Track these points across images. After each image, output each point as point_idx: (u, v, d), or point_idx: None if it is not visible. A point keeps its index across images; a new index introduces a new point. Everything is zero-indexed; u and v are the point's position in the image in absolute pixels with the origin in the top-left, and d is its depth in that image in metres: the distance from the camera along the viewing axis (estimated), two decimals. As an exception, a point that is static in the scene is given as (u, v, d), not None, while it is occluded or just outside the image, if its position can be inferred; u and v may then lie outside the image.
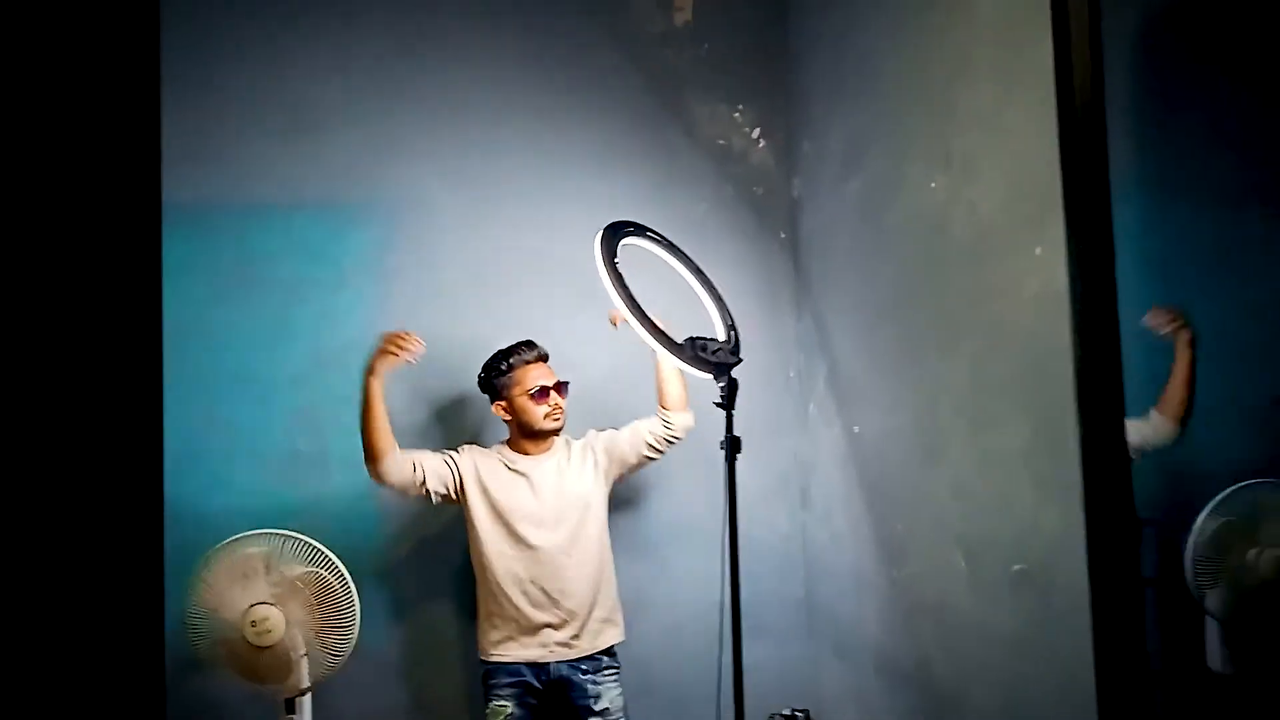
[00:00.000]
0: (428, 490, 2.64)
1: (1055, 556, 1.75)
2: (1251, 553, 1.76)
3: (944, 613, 2.22)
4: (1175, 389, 1.74)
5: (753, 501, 2.89)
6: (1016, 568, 1.89)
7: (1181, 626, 1.81)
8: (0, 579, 0.57)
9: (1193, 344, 1.72)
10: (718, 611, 2.60)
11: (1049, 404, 1.74)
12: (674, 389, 2.77)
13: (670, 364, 2.71)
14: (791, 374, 3.17)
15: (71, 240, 0.59)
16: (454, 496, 2.69)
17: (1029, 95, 1.75)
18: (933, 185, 2.18)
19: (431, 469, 2.65)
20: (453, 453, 2.73)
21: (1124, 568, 1.33)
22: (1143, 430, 1.75)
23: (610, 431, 2.82)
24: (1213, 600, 1.77)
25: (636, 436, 2.78)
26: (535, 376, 2.70)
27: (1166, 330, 1.72)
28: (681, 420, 2.78)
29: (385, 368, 2.57)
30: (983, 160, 1.94)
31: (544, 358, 2.74)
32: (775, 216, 3.21)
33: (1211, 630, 1.78)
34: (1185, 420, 1.75)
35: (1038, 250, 1.74)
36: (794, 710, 2.97)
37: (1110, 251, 1.37)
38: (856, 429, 2.72)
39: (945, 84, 2.12)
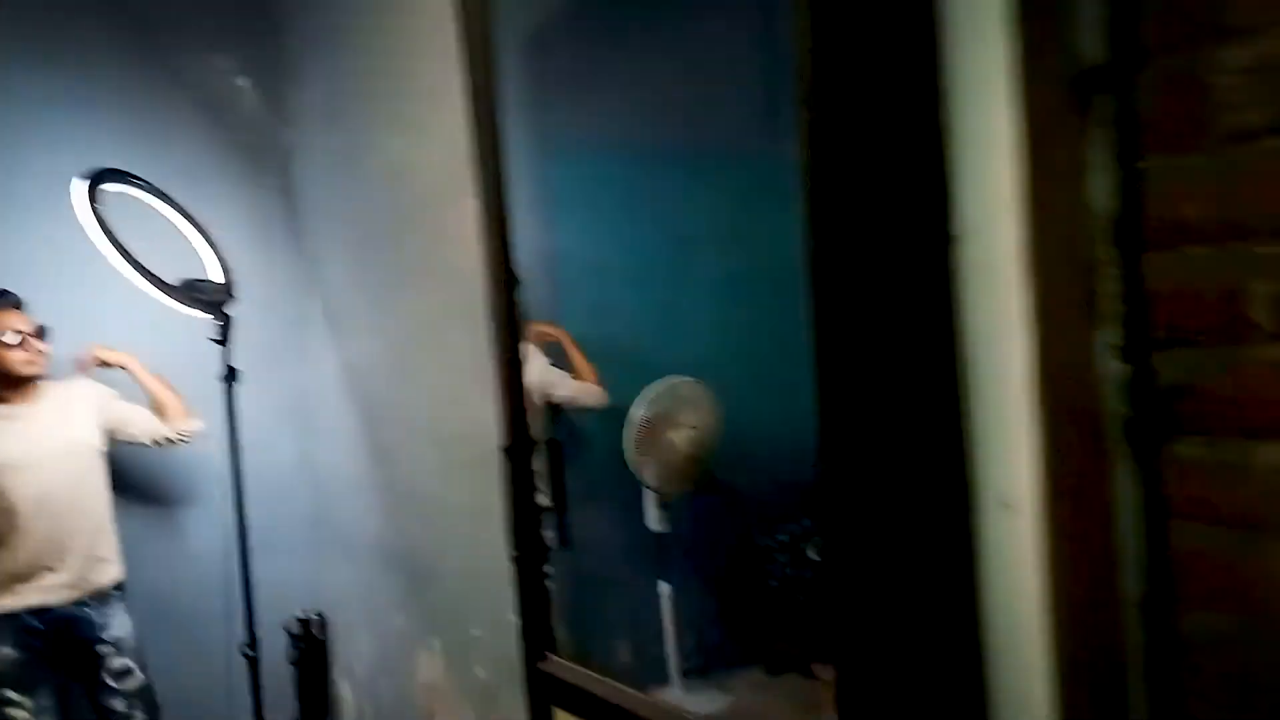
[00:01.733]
0: None
1: (494, 440, 2.25)
2: (671, 433, 2.18)
3: (425, 501, 2.66)
4: (582, 370, 2.30)
5: (259, 430, 3.06)
6: (470, 454, 2.37)
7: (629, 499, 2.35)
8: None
9: (571, 340, 2.26)
10: (225, 535, 2.82)
11: (484, 325, 2.22)
12: (169, 402, 2.90)
13: (146, 378, 2.89)
14: (291, 310, 3.39)
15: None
16: None
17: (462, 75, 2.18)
18: (396, 142, 2.56)
19: None
20: None
21: (519, 440, 1.85)
22: (575, 390, 2.27)
23: (127, 406, 2.88)
24: (648, 474, 2.18)
25: (151, 427, 2.89)
26: (7, 324, 2.68)
27: (552, 340, 2.26)
28: (193, 428, 2.94)
29: None
30: (432, 125, 2.34)
31: (16, 305, 2.72)
32: (268, 163, 3.36)
33: (649, 498, 2.21)
34: (601, 383, 2.30)
35: (470, 201, 2.19)
36: (306, 613, 3.30)
37: (503, 199, 1.86)
38: (350, 356, 3.06)
39: (402, 58, 2.49)
